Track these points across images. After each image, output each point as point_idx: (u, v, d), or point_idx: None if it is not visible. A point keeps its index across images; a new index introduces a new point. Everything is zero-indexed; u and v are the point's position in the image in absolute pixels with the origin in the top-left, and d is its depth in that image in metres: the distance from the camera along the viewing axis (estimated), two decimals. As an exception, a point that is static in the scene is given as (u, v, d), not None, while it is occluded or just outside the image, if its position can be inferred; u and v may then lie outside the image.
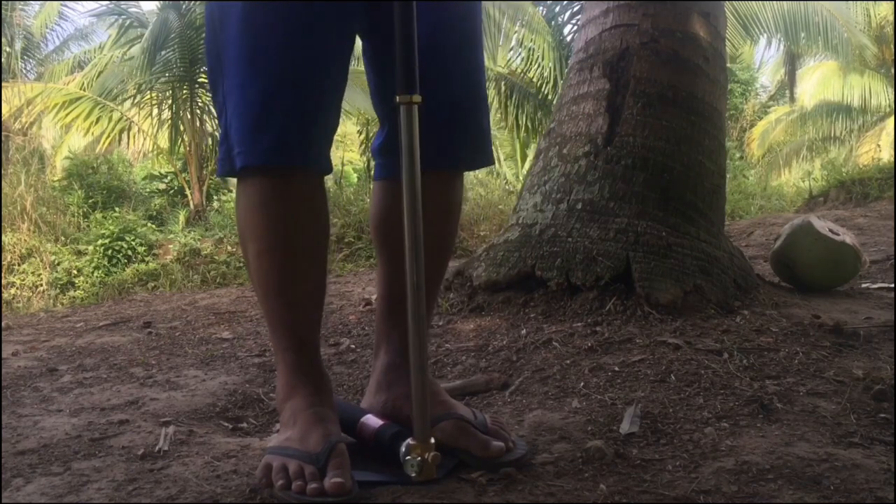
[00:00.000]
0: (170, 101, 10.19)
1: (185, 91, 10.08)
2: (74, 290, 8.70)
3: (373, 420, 1.18)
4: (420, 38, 1.05)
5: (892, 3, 12.25)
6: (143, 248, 8.96)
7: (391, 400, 1.23)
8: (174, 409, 1.54)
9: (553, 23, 9.86)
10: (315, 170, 1.13)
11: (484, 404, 1.48)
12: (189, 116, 10.22)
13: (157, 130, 10.57)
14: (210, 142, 10.31)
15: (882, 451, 1.12)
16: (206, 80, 10.14)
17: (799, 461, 1.08)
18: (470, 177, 9.42)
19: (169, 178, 12.27)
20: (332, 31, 1.10)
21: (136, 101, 10.35)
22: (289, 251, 1.13)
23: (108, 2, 11.65)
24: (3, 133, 11.93)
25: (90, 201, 11.04)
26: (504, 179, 11.93)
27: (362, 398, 1.32)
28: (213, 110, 10.34)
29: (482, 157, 1.25)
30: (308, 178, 1.13)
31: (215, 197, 11.18)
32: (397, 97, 1.02)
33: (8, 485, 1.13)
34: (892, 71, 13.73)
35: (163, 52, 9.68)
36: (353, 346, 2.04)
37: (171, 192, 12.18)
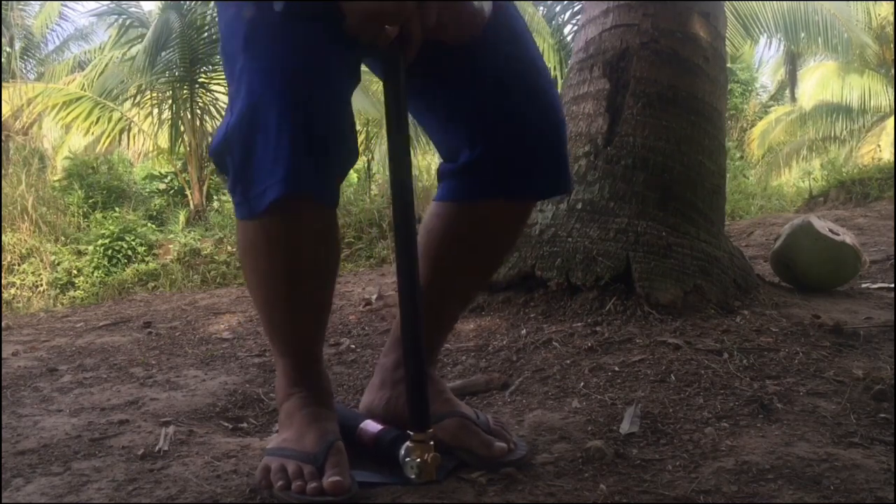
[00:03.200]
0: (170, 101, 10.20)
1: (185, 91, 10.08)
2: (74, 290, 8.71)
3: (372, 426, 1.18)
4: (485, 72, 1.06)
5: (893, 2, 12.25)
6: (143, 248, 8.97)
7: (394, 398, 1.22)
8: (174, 409, 1.54)
9: (553, 23, 9.87)
10: (326, 202, 1.05)
11: (484, 404, 1.48)
12: (189, 116, 10.23)
13: (158, 130, 10.57)
14: (210, 142, 10.29)
15: (882, 451, 1.12)
16: (206, 80, 10.17)
17: (799, 461, 1.08)
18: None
19: (169, 178, 12.27)
20: (347, 63, 1.04)
21: (136, 101, 10.35)
22: (298, 284, 1.09)
23: (108, 2, 11.64)
24: (3, 133, 11.93)
25: (90, 201, 11.04)
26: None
27: (364, 395, 1.31)
28: (213, 110, 10.35)
29: (555, 182, 1.17)
30: (318, 210, 1.05)
31: (215, 197, 11.18)
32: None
33: (8, 485, 1.13)
34: (892, 71, 13.72)
35: (163, 53, 9.68)
36: (353, 346, 2.04)
37: (171, 192, 12.18)
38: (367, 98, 9.42)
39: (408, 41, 1.01)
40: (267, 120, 0.96)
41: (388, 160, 1.05)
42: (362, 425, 1.19)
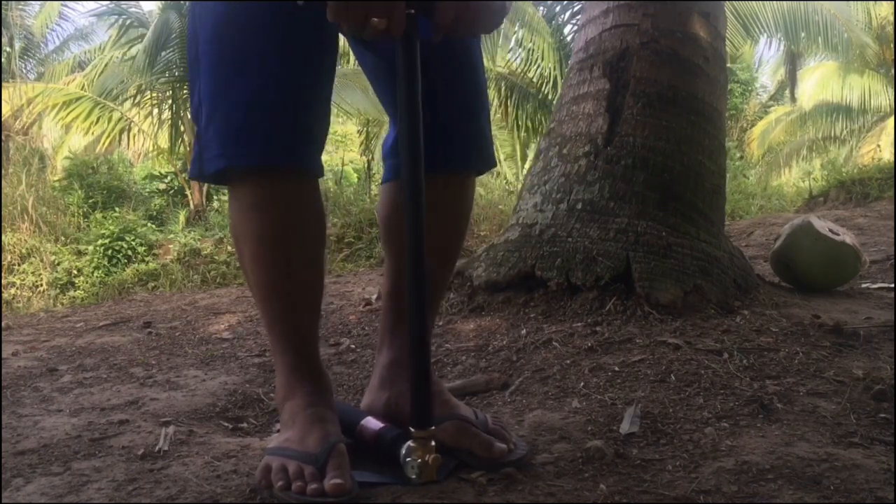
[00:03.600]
0: (170, 101, 10.20)
1: (185, 91, 10.08)
2: (74, 290, 8.71)
3: (373, 423, 1.18)
4: (421, 45, 1.06)
5: (893, 2, 12.25)
6: (143, 248, 8.97)
7: (394, 397, 1.22)
8: (174, 409, 1.54)
9: (553, 23, 9.87)
10: (305, 171, 1.12)
11: (484, 404, 1.48)
12: (189, 116, 10.22)
13: (157, 130, 10.57)
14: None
15: (882, 451, 1.12)
16: (206, 80, 10.16)
17: (799, 461, 1.08)
18: (470, 177, 9.38)
19: (169, 178, 12.27)
20: (315, 30, 1.10)
21: (136, 101, 10.35)
22: (284, 254, 1.12)
23: (108, 2, 11.63)
24: (3, 133, 11.93)
25: (90, 201, 11.05)
26: (504, 179, 11.93)
27: (363, 396, 1.32)
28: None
29: (487, 158, 1.26)
30: (300, 181, 1.12)
31: (215, 197, 11.18)
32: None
33: (8, 485, 1.13)
34: (892, 71, 13.72)
35: (163, 53, 9.68)
36: (353, 346, 2.04)
37: (171, 192, 12.19)
38: (368, 98, 9.43)
39: (430, 19, 1.03)
40: (230, 88, 1.05)
41: (400, 145, 1.05)
42: (363, 422, 1.19)
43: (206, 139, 1.09)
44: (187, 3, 9.65)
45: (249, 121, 1.06)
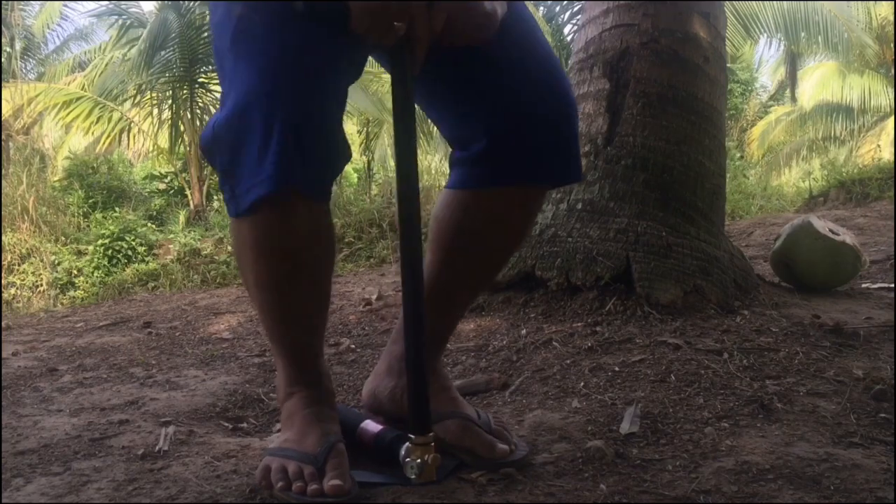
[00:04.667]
0: (170, 101, 10.19)
1: (185, 91, 10.07)
2: (74, 290, 8.70)
3: (372, 425, 1.18)
4: (498, 60, 1.06)
5: (893, 2, 12.24)
6: (143, 248, 8.96)
7: (400, 387, 1.20)
8: (174, 409, 1.54)
9: (553, 23, 9.86)
10: (315, 198, 1.05)
11: (484, 404, 1.48)
12: (189, 116, 10.22)
13: (157, 130, 10.56)
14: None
15: (882, 451, 1.12)
16: (205, 80, 10.16)
17: (799, 461, 1.08)
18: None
19: (169, 178, 12.26)
20: (345, 59, 1.04)
21: (136, 101, 10.34)
22: (294, 283, 1.09)
23: (108, 2, 11.62)
24: (3, 133, 11.93)
25: (90, 201, 11.04)
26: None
27: (367, 379, 1.30)
28: (213, 110, 10.34)
29: (566, 169, 1.16)
30: (308, 207, 1.05)
31: (215, 197, 11.17)
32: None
33: (8, 485, 1.13)
34: (892, 71, 13.72)
35: (162, 53, 9.67)
36: (353, 346, 2.04)
37: (171, 192, 12.17)
38: (367, 98, 9.42)
39: (415, 42, 0.99)
40: (254, 117, 0.96)
41: (395, 157, 1.04)
42: (363, 425, 1.19)
43: (239, 173, 1.00)
44: (186, 3, 9.65)
45: (279, 150, 0.97)
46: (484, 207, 1.16)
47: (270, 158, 0.96)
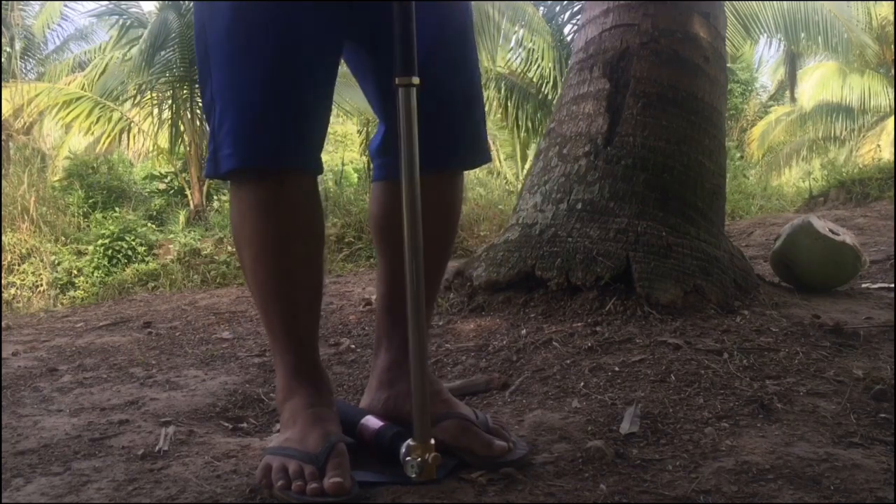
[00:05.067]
0: (170, 102, 10.19)
1: (185, 91, 10.08)
2: (74, 290, 8.70)
3: (373, 421, 1.18)
4: (426, 44, 1.06)
5: (893, 2, 12.24)
6: (143, 248, 8.96)
7: (392, 398, 1.23)
8: (174, 409, 1.54)
9: (553, 23, 9.86)
10: (309, 172, 1.13)
11: (484, 404, 1.48)
12: (189, 116, 10.23)
13: (157, 130, 10.57)
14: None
15: (882, 451, 1.12)
16: (206, 80, 10.17)
17: (799, 461, 1.08)
18: (470, 177, 9.42)
19: (169, 178, 12.26)
20: (321, 33, 1.10)
21: (136, 101, 10.35)
22: (284, 254, 1.13)
23: (108, 2, 11.60)
24: (4, 133, 11.93)
25: (90, 201, 11.04)
26: (504, 179, 11.92)
27: (362, 397, 1.32)
28: (213, 110, 10.34)
29: (479, 155, 1.25)
30: (302, 181, 1.13)
31: (215, 197, 11.17)
32: (396, 79, 1.02)
33: (8, 485, 1.13)
34: (892, 71, 13.72)
35: (162, 53, 9.67)
36: (353, 346, 2.04)
37: (171, 192, 12.17)
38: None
39: None
40: (239, 88, 1.06)
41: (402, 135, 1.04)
42: (363, 421, 1.19)
43: (220, 138, 1.09)
44: (186, 2, 9.65)
45: (259, 122, 1.07)
46: (399, 196, 1.15)
47: (260, 130, 1.06)
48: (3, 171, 10.37)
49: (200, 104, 10.09)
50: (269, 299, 1.16)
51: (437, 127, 1.15)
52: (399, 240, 1.08)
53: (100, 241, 8.91)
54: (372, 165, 1.29)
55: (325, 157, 1.45)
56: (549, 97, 9.39)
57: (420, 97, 1.03)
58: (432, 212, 1.15)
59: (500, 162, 12.72)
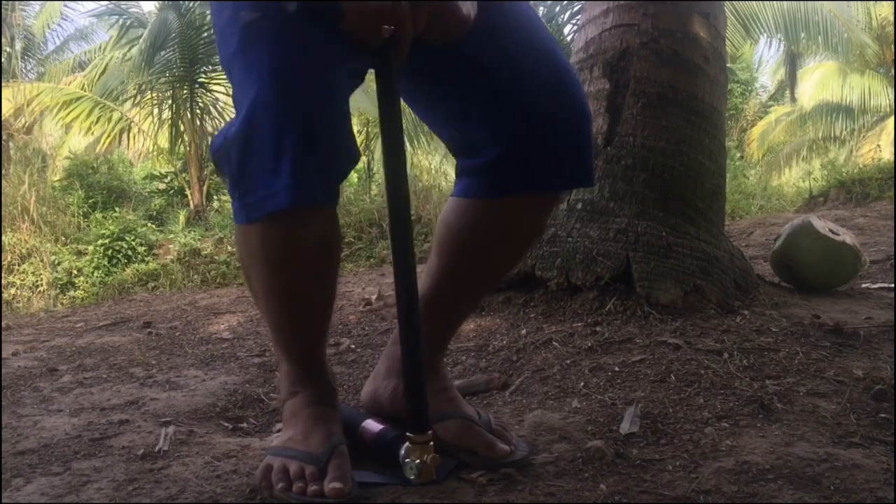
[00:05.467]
0: (170, 102, 10.20)
1: (185, 91, 10.08)
2: (74, 290, 8.70)
3: (373, 424, 1.18)
4: (500, 63, 1.05)
5: (893, 2, 12.24)
6: (143, 248, 8.96)
7: (400, 389, 1.19)
8: (174, 409, 1.54)
9: (553, 23, 9.86)
10: (327, 205, 1.04)
11: (484, 404, 1.48)
12: (189, 116, 10.22)
13: (157, 130, 10.57)
14: (210, 142, 10.29)
15: (882, 451, 1.12)
16: (206, 80, 10.17)
17: (799, 461, 1.08)
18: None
19: (169, 178, 12.25)
20: (348, 66, 1.03)
21: (136, 101, 10.35)
22: (302, 288, 1.08)
23: (108, 2, 11.61)
24: (5, 132, 11.92)
25: (90, 201, 11.03)
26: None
27: (367, 382, 1.30)
28: (213, 110, 10.35)
29: (589, 174, 1.13)
30: (319, 214, 1.03)
31: (215, 197, 11.18)
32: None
33: (8, 485, 1.13)
34: (892, 71, 13.72)
35: (162, 53, 9.67)
36: (353, 346, 2.04)
37: (171, 192, 12.17)
38: (368, 98, 9.41)
39: (397, 42, 0.99)
40: (265, 126, 0.95)
41: (383, 159, 1.03)
42: (364, 424, 1.19)
43: (252, 181, 0.99)
44: (186, 3, 9.64)
45: (294, 161, 0.96)
46: (495, 216, 1.14)
47: (286, 169, 0.94)
48: (3, 171, 10.37)
49: (200, 104, 10.14)
50: (282, 325, 1.14)
51: (528, 146, 1.09)
52: (467, 257, 1.13)
53: (100, 241, 8.90)
54: (464, 181, 1.17)
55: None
56: (549, 97, 9.37)
57: (523, 118, 1.04)
58: (518, 236, 1.16)
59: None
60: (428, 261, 1.24)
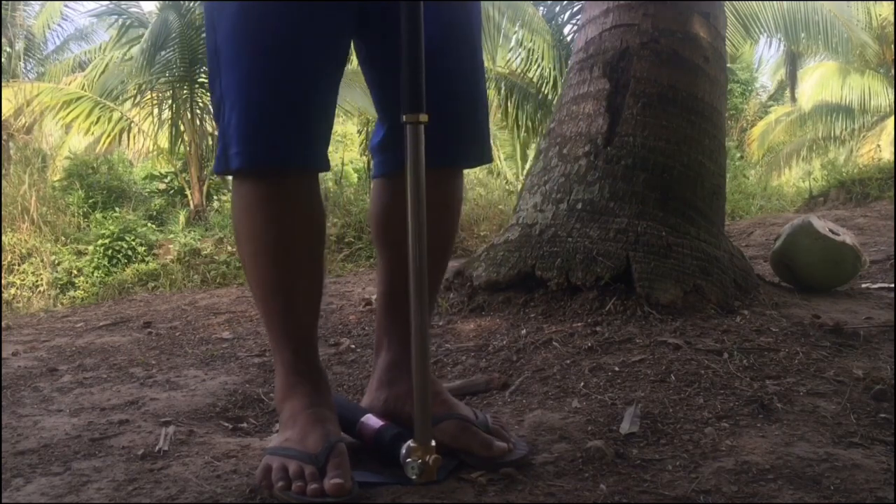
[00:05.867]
0: (170, 102, 10.20)
1: (185, 91, 10.08)
2: (74, 290, 8.70)
3: (373, 420, 1.18)
4: (437, 39, 1.08)
5: (893, 2, 12.24)
6: (143, 248, 8.96)
7: (392, 398, 1.23)
8: (174, 409, 1.54)
9: (553, 23, 9.86)
10: (312, 170, 1.14)
11: (484, 404, 1.48)
12: (189, 116, 10.23)
13: (157, 130, 10.57)
14: (210, 142, 10.31)
15: (882, 451, 1.12)
16: (206, 80, 10.16)
17: (799, 461, 1.08)
18: (470, 176, 9.42)
19: (169, 178, 12.26)
20: (328, 31, 1.11)
21: (136, 101, 10.35)
22: (285, 251, 1.13)
23: (108, 2, 11.61)
24: (5, 132, 11.92)
25: (90, 201, 11.03)
26: (504, 179, 11.92)
27: (363, 397, 1.32)
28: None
29: (480, 153, 1.25)
30: (304, 178, 1.14)
31: (215, 197, 11.18)
32: (403, 116, 1.02)
33: (8, 485, 1.13)
34: (892, 71, 13.72)
35: (163, 53, 9.67)
36: (353, 346, 2.04)
37: (171, 192, 12.17)
38: (368, 98, 9.40)
39: None
40: (236, 86, 1.07)
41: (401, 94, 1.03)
42: (363, 419, 1.19)
43: (228, 136, 1.10)
44: (187, 3, 9.66)
45: (266, 121, 1.07)
46: (399, 193, 1.14)
47: (256, 127, 1.07)
48: (3, 171, 10.37)
49: (200, 104, 10.15)
50: (269, 295, 1.16)
51: (442, 123, 1.14)
52: (399, 238, 1.09)
53: (100, 241, 8.91)
54: (372, 162, 1.30)
55: (325, 156, 1.43)
56: (549, 97, 9.40)
57: (427, 92, 1.03)
58: (433, 209, 1.14)
59: (500, 162, 12.72)
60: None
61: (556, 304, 2.00)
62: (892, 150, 12.22)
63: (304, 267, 1.16)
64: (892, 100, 13.50)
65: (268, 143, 1.08)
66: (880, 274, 2.73)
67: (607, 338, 1.74)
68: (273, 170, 1.10)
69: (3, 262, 8.90)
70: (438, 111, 1.11)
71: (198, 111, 10.28)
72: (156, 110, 10.33)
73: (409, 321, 1.03)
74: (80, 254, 9.22)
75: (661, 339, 1.70)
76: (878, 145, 13.45)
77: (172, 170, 11.85)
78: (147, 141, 10.89)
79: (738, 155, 15.31)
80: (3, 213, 9.06)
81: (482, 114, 1.24)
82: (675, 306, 1.89)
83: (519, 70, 10.06)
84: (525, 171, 10.38)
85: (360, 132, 11.88)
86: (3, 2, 13.34)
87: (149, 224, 10.04)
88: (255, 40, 1.08)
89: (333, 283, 3.53)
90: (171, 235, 9.41)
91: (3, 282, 8.78)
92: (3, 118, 11.13)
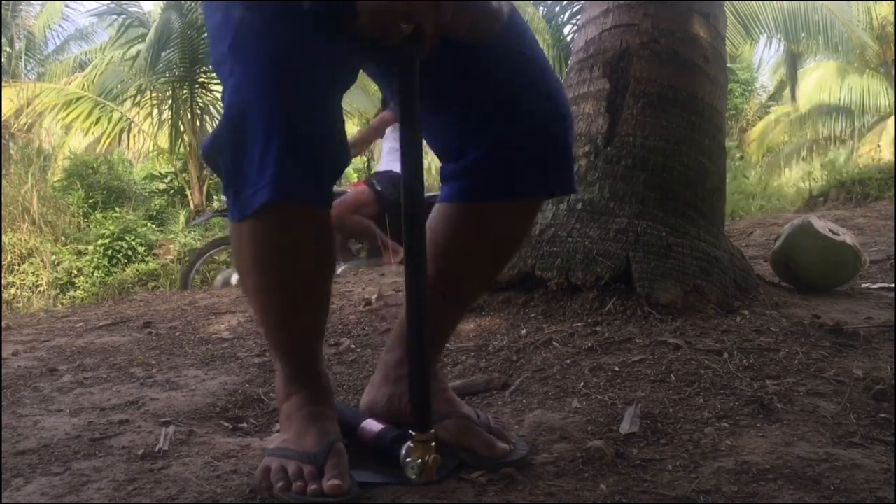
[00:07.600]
0: (170, 101, 10.20)
1: (185, 91, 10.09)
2: (74, 290, 8.71)
3: (373, 424, 1.18)
4: (490, 70, 1.06)
5: (893, 2, 12.24)
6: (143, 248, 8.97)
7: (397, 395, 1.21)
8: (174, 409, 1.54)
9: (553, 23, 9.86)
10: (316, 204, 1.04)
11: (484, 404, 1.48)
12: (189, 116, 10.23)
13: (158, 130, 10.58)
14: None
15: (882, 451, 1.12)
16: (206, 80, 10.17)
17: (799, 461, 1.08)
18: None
19: (169, 178, 12.26)
20: (339, 66, 1.04)
21: (136, 101, 10.36)
22: (293, 288, 1.08)
23: (108, 2, 11.63)
24: (5, 132, 11.93)
25: (90, 201, 11.04)
26: (504, 179, 11.89)
27: (366, 390, 1.31)
28: (213, 110, 10.35)
29: (571, 181, 1.16)
30: (309, 213, 1.04)
31: (215, 197, 11.18)
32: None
33: (8, 485, 1.13)
34: (892, 71, 13.72)
35: (163, 53, 9.68)
36: (353, 346, 2.04)
37: (171, 192, 12.18)
38: (368, 98, 9.42)
39: (422, 39, 0.98)
40: (254, 122, 0.96)
41: (401, 158, 1.02)
42: (363, 424, 1.19)
43: (242, 179, 1.00)
44: (188, 3, 9.66)
45: (280, 157, 0.96)
46: (481, 221, 1.16)
47: (271, 164, 0.95)
48: (3, 171, 10.37)
49: (200, 104, 10.15)
50: (274, 326, 1.14)
51: (525, 152, 1.10)
52: (456, 261, 1.14)
53: (100, 241, 8.91)
54: (441, 186, 1.20)
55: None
56: (549, 97, 9.37)
57: (504, 122, 1.04)
58: (500, 242, 1.16)
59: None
60: None
61: (556, 304, 2.00)
62: (892, 150, 12.22)
63: (312, 301, 1.12)
64: (892, 100, 13.51)
65: (274, 178, 0.96)
66: (880, 274, 2.73)
67: (607, 338, 1.74)
68: (281, 206, 0.99)
69: (3, 262, 8.90)
70: (510, 136, 1.09)
71: (198, 111, 10.29)
72: (156, 110, 10.34)
73: (437, 324, 1.03)
74: (80, 254, 9.23)
75: (661, 339, 1.70)
76: (878, 145, 13.45)
77: (172, 170, 11.86)
78: (147, 141, 10.90)
79: (738, 155, 15.30)
80: (3, 213, 9.06)
81: (562, 136, 1.13)
82: (675, 306, 1.89)
83: (519, 70, 10.04)
84: (525, 171, 10.33)
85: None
86: (4, 2, 13.33)
87: (149, 224, 10.04)
88: (283, 90, 0.97)
89: (333, 283, 3.53)
90: (171, 235, 9.41)
91: (3, 282, 8.78)
92: (3, 118, 11.13)
